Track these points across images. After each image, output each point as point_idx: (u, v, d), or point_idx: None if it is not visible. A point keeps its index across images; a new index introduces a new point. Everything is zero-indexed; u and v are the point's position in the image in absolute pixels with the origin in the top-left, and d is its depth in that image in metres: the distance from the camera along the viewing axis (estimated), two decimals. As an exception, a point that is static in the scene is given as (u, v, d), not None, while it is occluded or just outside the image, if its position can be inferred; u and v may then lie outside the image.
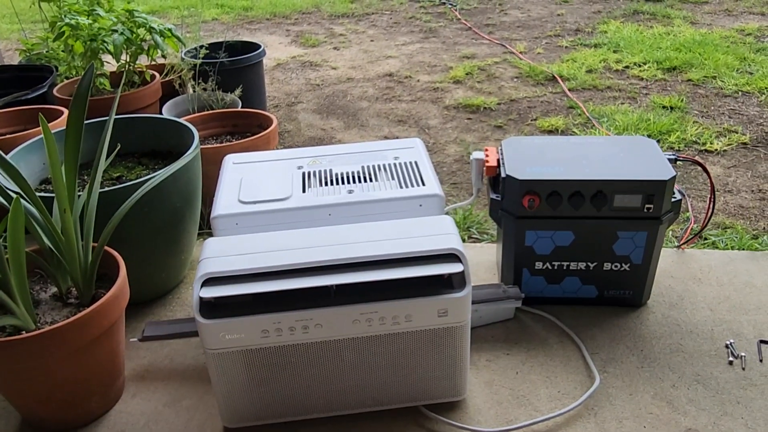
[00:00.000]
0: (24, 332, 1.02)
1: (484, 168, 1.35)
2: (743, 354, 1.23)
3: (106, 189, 1.24)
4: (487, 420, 1.12)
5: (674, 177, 1.22)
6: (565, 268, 1.33)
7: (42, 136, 1.47)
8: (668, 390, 1.16)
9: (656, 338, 1.28)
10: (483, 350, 1.27)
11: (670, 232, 1.68)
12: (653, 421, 1.10)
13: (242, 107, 2.14)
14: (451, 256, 1.01)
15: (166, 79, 2.28)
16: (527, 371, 1.22)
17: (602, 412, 1.12)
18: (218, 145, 1.76)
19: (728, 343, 1.26)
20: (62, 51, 2.32)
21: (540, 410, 1.13)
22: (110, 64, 2.20)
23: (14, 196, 0.96)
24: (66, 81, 2.18)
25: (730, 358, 1.23)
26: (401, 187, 1.17)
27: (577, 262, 1.32)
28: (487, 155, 1.37)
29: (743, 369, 1.20)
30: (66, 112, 1.85)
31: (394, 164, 1.25)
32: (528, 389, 1.18)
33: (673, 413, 1.12)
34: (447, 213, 1.15)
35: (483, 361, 1.25)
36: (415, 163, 1.25)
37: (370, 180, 1.20)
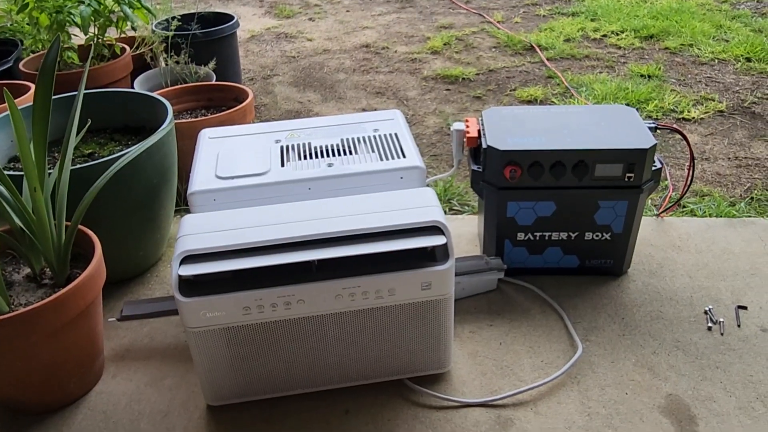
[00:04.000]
0: (-3, 315, 0.99)
1: (465, 139, 1.33)
2: (722, 319, 1.25)
3: (79, 166, 1.20)
4: (472, 391, 1.12)
5: (655, 145, 1.22)
6: (546, 238, 1.33)
7: (8, 112, 1.42)
8: (649, 357, 1.18)
9: (637, 306, 1.30)
10: (466, 322, 1.27)
11: (650, 201, 1.69)
12: (635, 388, 1.11)
13: (216, 81, 2.09)
14: (434, 229, 1.00)
15: (137, 52, 2.21)
16: (510, 342, 1.22)
17: (585, 380, 1.13)
18: (193, 119, 1.72)
19: (707, 309, 1.28)
20: (27, 24, 2.24)
21: (524, 380, 1.14)
22: (78, 37, 2.13)
23: (-19, 175, 0.93)
24: (32, 55, 2.10)
25: (709, 324, 1.25)
26: (381, 159, 1.15)
27: (559, 232, 1.32)
28: (467, 126, 1.35)
29: (721, 334, 1.22)
30: (33, 87, 1.79)
31: (374, 136, 1.23)
32: (512, 359, 1.18)
33: (654, 379, 1.13)
34: (428, 185, 1.14)
35: (466, 332, 1.25)
36: (395, 135, 1.23)
37: (350, 153, 1.18)
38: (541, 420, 1.06)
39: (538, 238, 1.33)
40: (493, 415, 1.07)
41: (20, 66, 2.00)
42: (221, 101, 1.91)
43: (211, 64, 2.14)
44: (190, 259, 0.97)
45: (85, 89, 1.26)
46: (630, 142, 1.22)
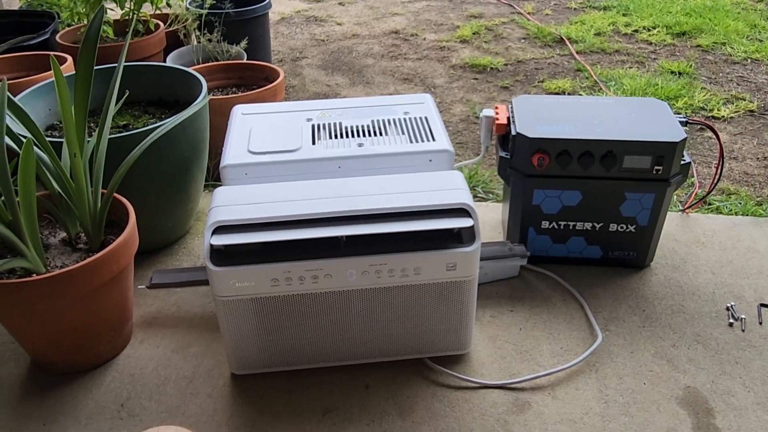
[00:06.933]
0: (35, 275, 1.03)
1: (494, 126, 1.34)
2: (743, 316, 1.25)
3: (116, 135, 1.23)
4: (491, 373, 1.14)
5: (685, 139, 1.22)
6: (571, 228, 1.33)
7: (47, 81, 1.45)
8: (668, 349, 1.18)
9: (658, 299, 1.30)
10: (488, 306, 1.29)
11: (675, 197, 1.68)
12: (653, 378, 1.12)
13: (247, 60, 2.11)
14: (461, 211, 1.02)
15: (171, 29, 2.24)
16: (531, 327, 1.24)
17: (603, 368, 1.14)
18: (225, 96, 1.75)
19: (729, 305, 1.28)
20: (64, -3, 2.28)
21: (542, 365, 1.15)
22: (113, 12, 2.16)
23: (24, 140, 0.96)
24: (68, 28, 2.14)
25: (730, 320, 1.25)
26: (411, 141, 1.16)
27: (584, 222, 1.32)
28: (497, 113, 1.36)
29: (743, 331, 1.22)
30: (69, 59, 1.82)
31: (404, 119, 1.24)
32: (531, 345, 1.20)
33: (672, 371, 1.14)
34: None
35: (487, 317, 1.26)
36: (425, 118, 1.24)
37: (380, 134, 1.19)
38: (559, 405, 1.08)
39: (562, 227, 1.33)
40: (511, 398, 1.09)
41: (57, 38, 2.04)
42: (252, 80, 1.93)
43: (243, 44, 2.16)
44: (221, 229, 0.99)
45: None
46: (660, 135, 1.22)
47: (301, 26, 3.24)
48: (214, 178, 1.74)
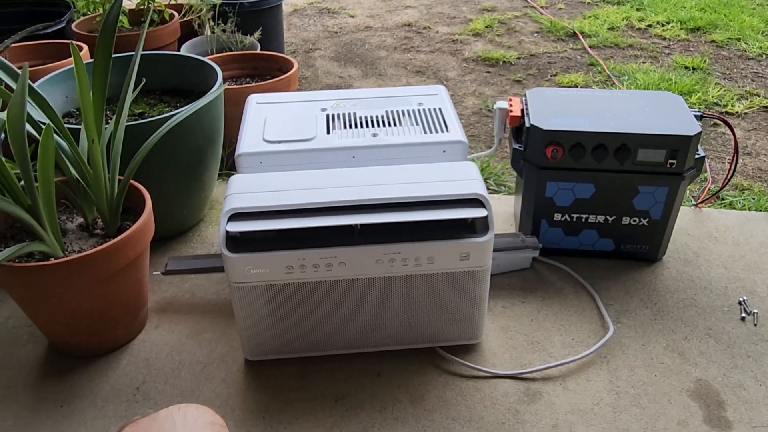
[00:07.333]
0: (52, 259, 1.04)
1: (508, 118, 1.34)
2: (756, 311, 1.25)
3: (132, 123, 1.24)
4: (502, 363, 1.14)
5: (700, 133, 1.21)
6: (583, 220, 1.33)
7: (64, 69, 1.47)
8: (680, 342, 1.19)
9: (670, 293, 1.30)
10: (499, 297, 1.29)
11: (688, 192, 1.68)
12: (664, 371, 1.12)
13: (260, 51, 2.11)
14: (475, 201, 1.02)
15: (185, 19, 2.25)
16: (542, 319, 1.24)
17: (614, 360, 1.15)
18: (239, 86, 1.75)
19: (741, 300, 1.28)
20: (79, -14, 2.29)
21: (554, 356, 1.16)
22: (128, 1, 2.17)
23: (44, 126, 0.97)
24: (84, 17, 2.16)
25: (743, 315, 1.25)
26: (425, 132, 1.16)
27: (596, 215, 1.32)
28: (511, 105, 1.36)
29: (755, 325, 1.22)
30: (86, 47, 1.84)
31: (418, 110, 1.24)
32: (542, 336, 1.20)
33: (683, 364, 1.14)
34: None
35: (499, 307, 1.27)
36: (439, 109, 1.24)
37: (394, 125, 1.20)
38: (570, 395, 1.08)
39: (574, 219, 1.34)
40: (522, 387, 1.10)
41: (73, 27, 2.05)
42: (266, 70, 1.94)
43: (257, 34, 2.17)
44: (237, 216, 1.00)
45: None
46: (674, 129, 1.22)
47: (314, 18, 3.24)
48: (228, 167, 1.75)
